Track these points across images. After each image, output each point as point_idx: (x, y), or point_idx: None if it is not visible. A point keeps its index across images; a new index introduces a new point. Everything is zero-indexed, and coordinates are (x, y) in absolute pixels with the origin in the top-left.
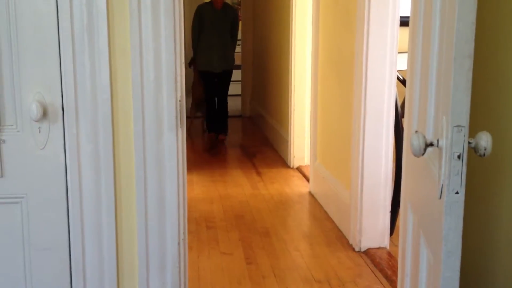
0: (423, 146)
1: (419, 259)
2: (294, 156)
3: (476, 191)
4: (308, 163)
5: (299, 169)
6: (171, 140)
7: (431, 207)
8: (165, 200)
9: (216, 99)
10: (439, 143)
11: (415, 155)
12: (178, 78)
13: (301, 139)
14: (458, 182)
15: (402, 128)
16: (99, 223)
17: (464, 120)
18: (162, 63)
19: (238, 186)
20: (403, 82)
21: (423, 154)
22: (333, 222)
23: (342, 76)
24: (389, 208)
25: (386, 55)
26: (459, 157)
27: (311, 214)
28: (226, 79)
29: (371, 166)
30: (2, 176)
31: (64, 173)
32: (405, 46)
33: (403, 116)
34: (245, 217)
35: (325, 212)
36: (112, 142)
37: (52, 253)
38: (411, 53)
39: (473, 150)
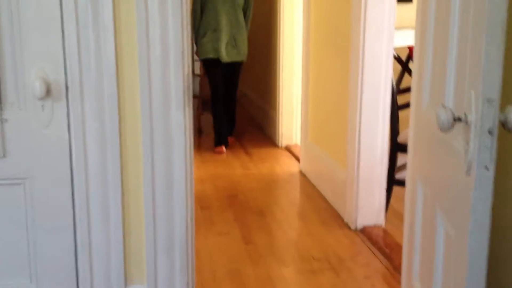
0: (451, 120)
1: (433, 234)
2: (282, 135)
3: (501, 167)
4: (297, 142)
5: (287, 148)
6: (178, 117)
7: (454, 183)
8: (173, 179)
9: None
10: (468, 118)
11: (442, 130)
12: (185, 54)
13: (290, 118)
14: (488, 157)
15: (398, 105)
16: (106, 203)
17: (496, 93)
18: (169, 38)
19: (228, 166)
20: (397, 59)
21: (449, 129)
22: (326, 200)
23: (337, 53)
24: (384, 186)
25: (384, 31)
26: (490, 132)
27: (304, 193)
28: (234, 72)
29: (368, 144)
30: (4, 156)
31: (68, 152)
32: (399, 23)
33: (398, 93)
34: (238, 197)
35: (318, 190)
36: (118, 120)
37: (57, 235)
38: (420, 27)
39: (501, 124)
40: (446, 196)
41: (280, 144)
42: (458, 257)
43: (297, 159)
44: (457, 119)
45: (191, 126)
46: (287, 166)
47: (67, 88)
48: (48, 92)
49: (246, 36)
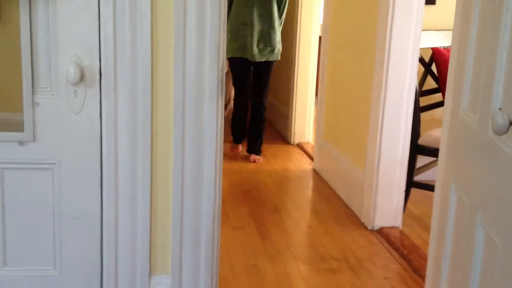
0: (507, 124)
1: (471, 241)
2: (295, 133)
3: None
4: (309, 140)
5: (299, 146)
6: (211, 110)
7: (502, 188)
8: (203, 172)
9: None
10: None
11: (497, 133)
12: (221, 45)
13: (303, 116)
14: None
15: (419, 107)
16: (134, 194)
17: None
18: (206, 29)
19: (241, 160)
20: (420, 60)
21: (505, 132)
22: (341, 199)
23: (359, 54)
24: (403, 187)
25: (411, 33)
26: None
27: (318, 191)
28: (264, 73)
29: (389, 145)
30: (34, 141)
31: (99, 140)
32: (422, 24)
33: (420, 95)
34: (252, 192)
35: (332, 189)
36: (151, 110)
37: (83, 223)
38: (460, 29)
39: None
40: (491, 202)
41: (292, 141)
42: (504, 266)
43: (310, 157)
44: None
45: (223, 120)
46: (300, 163)
47: (100, 74)
48: (81, 77)
49: (280, 31)
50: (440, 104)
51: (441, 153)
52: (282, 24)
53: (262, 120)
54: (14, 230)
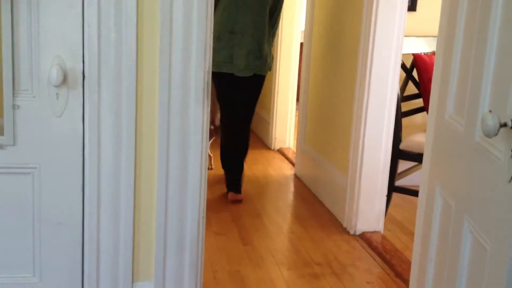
0: (497, 126)
1: (458, 246)
2: (275, 138)
3: None
4: (290, 146)
5: (280, 151)
6: (197, 113)
7: (490, 191)
8: (188, 176)
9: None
10: None
11: (487, 135)
12: (208, 48)
13: (284, 121)
14: None
15: (401, 112)
16: (117, 199)
17: None
18: (193, 31)
19: (220, 165)
20: (402, 66)
21: (496, 134)
22: (323, 204)
23: (342, 60)
24: (385, 192)
25: (393, 39)
26: None
27: (300, 196)
28: (253, 90)
29: (371, 151)
30: (14, 144)
31: (81, 144)
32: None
33: (402, 100)
34: None
35: (314, 194)
36: (135, 113)
37: (64, 229)
38: (446, 35)
39: None
40: (480, 205)
41: (273, 147)
42: (494, 270)
43: (291, 162)
44: (503, 125)
45: (208, 123)
46: (280, 169)
47: (84, 77)
48: (64, 79)
49: (271, 44)
50: (421, 109)
51: (425, 158)
52: (275, 35)
53: (247, 133)
54: None
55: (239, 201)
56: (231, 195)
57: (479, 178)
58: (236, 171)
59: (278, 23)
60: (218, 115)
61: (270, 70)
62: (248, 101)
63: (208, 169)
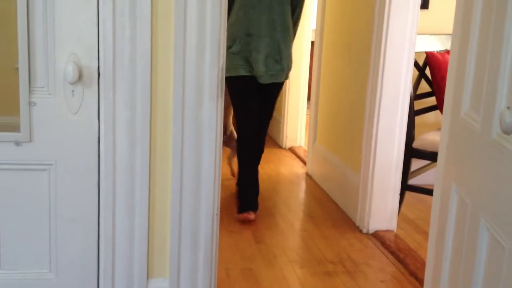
0: None
1: (474, 244)
2: (286, 137)
3: None
4: (301, 144)
5: (291, 150)
6: (211, 110)
7: (507, 188)
8: (202, 173)
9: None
10: None
11: (505, 132)
12: (222, 45)
13: (295, 120)
14: None
15: (414, 111)
16: (132, 195)
17: None
18: (207, 28)
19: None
20: (414, 64)
21: None
22: (335, 203)
23: (354, 58)
24: (398, 191)
25: (406, 37)
26: None
27: (312, 195)
28: (270, 98)
29: (384, 149)
30: (30, 141)
31: (97, 140)
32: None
33: (415, 98)
34: None
35: (326, 193)
36: (150, 110)
37: (80, 225)
38: (461, 32)
39: None
40: (497, 203)
41: (284, 146)
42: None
43: (302, 161)
44: None
45: (222, 120)
46: (292, 167)
47: (99, 74)
48: (79, 77)
49: (291, 47)
50: (434, 108)
51: (440, 156)
52: (295, 34)
53: (263, 140)
54: (9, 232)
55: (250, 221)
56: (242, 216)
57: (496, 176)
58: (252, 179)
59: (299, 21)
60: (231, 122)
61: (287, 77)
62: (265, 106)
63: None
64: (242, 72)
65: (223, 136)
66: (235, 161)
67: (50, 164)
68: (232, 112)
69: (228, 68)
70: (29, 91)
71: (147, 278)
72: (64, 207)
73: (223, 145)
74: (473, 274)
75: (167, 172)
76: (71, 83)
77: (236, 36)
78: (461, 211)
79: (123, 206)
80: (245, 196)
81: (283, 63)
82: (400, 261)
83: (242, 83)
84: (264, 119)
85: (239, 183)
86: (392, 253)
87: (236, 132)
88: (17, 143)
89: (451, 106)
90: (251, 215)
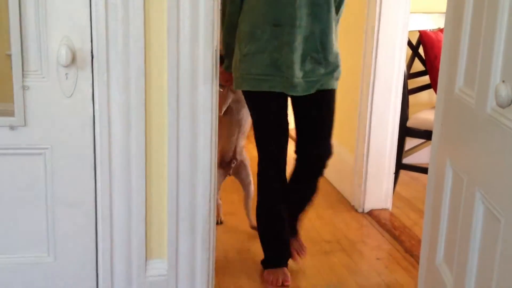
0: (511, 96)
1: (470, 217)
2: None
3: None
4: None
5: None
6: (206, 92)
7: (504, 164)
8: (198, 154)
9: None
10: None
11: (501, 106)
12: (215, 26)
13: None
14: None
15: (407, 90)
16: (128, 178)
17: None
18: (200, 9)
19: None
20: (408, 43)
21: (510, 105)
22: (330, 183)
23: (347, 37)
24: (393, 170)
25: (399, 15)
26: None
27: None
28: (322, 110)
29: (378, 129)
30: (25, 125)
31: (92, 124)
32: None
33: (408, 78)
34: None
35: None
36: (144, 92)
37: (77, 208)
38: (453, 11)
39: None
40: (493, 177)
41: None
42: (508, 240)
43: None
44: None
45: (217, 102)
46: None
47: (92, 57)
48: (72, 60)
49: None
50: (427, 86)
51: (434, 133)
52: (339, 23)
53: (316, 188)
54: (6, 217)
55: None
56: (275, 277)
57: (492, 150)
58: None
59: (343, 4)
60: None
61: (336, 84)
62: (317, 125)
63: (217, 223)
64: (266, 87)
65: (229, 164)
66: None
67: (46, 148)
68: (239, 134)
69: (243, 79)
70: (23, 75)
71: (146, 260)
72: (61, 190)
73: (229, 175)
74: (469, 248)
75: (163, 154)
76: (65, 66)
77: (256, 28)
78: (457, 187)
79: (120, 189)
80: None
81: (329, 64)
82: (396, 238)
83: (267, 101)
84: (323, 137)
85: (261, 237)
86: (388, 231)
87: (258, 165)
88: (12, 128)
89: (445, 83)
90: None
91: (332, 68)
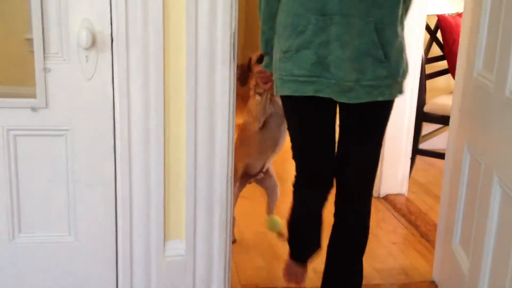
0: None
1: (487, 200)
2: None
3: None
4: None
5: None
6: (224, 74)
7: None
8: (215, 135)
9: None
10: None
11: None
12: (234, 8)
13: None
14: None
15: (425, 75)
16: (147, 159)
17: None
18: None
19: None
20: (426, 27)
21: None
22: None
23: None
24: (409, 155)
25: (417, 1)
26: None
27: None
28: (371, 126)
29: (395, 113)
30: (46, 107)
31: (112, 105)
32: None
33: (426, 62)
34: None
35: None
36: (163, 75)
37: (97, 189)
38: None
39: None
40: (511, 162)
41: None
42: None
43: None
44: None
45: (235, 83)
46: None
47: (112, 39)
48: (93, 42)
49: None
50: (445, 71)
51: (452, 118)
52: (408, 12)
53: (362, 250)
54: (28, 197)
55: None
56: (292, 274)
57: (510, 134)
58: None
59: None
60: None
61: (401, 91)
62: (361, 148)
63: (233, 242)
64: (311, 90)
65: (253, 176)
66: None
67: (67, 130)
68: (272, 154)
69: (283, 81)
70: (44, 57)
71: (164, 240)
72: (82, 171)
73: (250, 183)
74: (485, 231)
75: (181, 135)
76: (85, 49)
77: (298, 18)
78: (474, 171)
79: (139, 170)
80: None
81: (391, 65)
82: (411, 223)
83: (311, 107)
84: (364, 167)
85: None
86: (404, 216)
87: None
88: (34, 109)
89: (464, 68)
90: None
91: (396, 71)
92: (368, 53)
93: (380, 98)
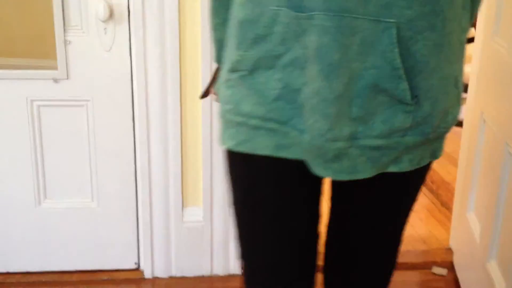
0: None
1: (498, 169)
2: None
3: None
4: None
5: None
6: None
7: None
8: None
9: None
10: None
11: None
12: None
13: None
14: None
15: None
16: (165, 127)
17: None
18: None
19: None
20: None
21: None
22: None
23: None
24: None
25: None
26: None
27: None
28: (386, 217)
29: None
30: (67, 78)
31: (130, 76)
32: None
33: None
34: None
35: None
36: (179, 46)
37: (117, 158)
38: None
39: None
40: None
41: None
42: None
43: None
44: None
45: None
46: None
47: (129, 12)
48: (110, 15)
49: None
50: (471, 40)
51: (470, 86)
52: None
53: None
54: (53, 165)
55: None
56: None
57: None
58: None
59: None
60: None
61: (440, 152)
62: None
63: None
64: (269, 145)
65: None
66: None
67: (87, 100)
68: None
69: (226, 124)
70: (64, 30)
71: (182, 207)
72: (102, 141)
73: None
74: (495, 197)
75: (197, 105)
76: (103, 21)
77: (256, 11)
78: (488, 139)
79: (157, 140)
80: None
81: (423, 108)
82: (433, 192)
83: (268, 176)
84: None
85: None
86: (425, 184)
87: None
88: (55, 80)
89: (482, 34)
90: None
91: (429, 116)
92: (378, 87)
93: (394, 169)
